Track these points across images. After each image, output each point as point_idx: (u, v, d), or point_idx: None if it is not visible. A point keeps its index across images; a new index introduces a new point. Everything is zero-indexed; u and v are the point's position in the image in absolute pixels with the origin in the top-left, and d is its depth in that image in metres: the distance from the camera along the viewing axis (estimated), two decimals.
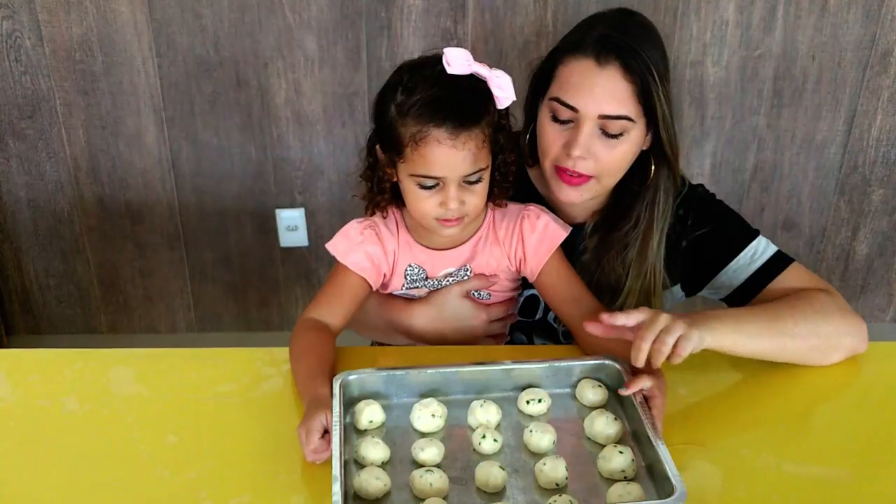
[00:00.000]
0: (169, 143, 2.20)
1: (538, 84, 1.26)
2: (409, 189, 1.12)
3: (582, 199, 1.24)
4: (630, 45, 1.15)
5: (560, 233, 1.22)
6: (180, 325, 2.49)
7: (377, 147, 1.15)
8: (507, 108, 1.13)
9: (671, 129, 1.21)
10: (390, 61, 2.11)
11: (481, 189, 1.13)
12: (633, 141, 1.20)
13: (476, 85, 1.08)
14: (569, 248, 1.26)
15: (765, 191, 2.34)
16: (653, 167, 1.25)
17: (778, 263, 1.26)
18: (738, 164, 2.29)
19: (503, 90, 1.09)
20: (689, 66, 2.15)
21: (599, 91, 1.15)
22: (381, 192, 1.18)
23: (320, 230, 2.34)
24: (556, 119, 1.20)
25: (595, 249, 1.30)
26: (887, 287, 2.54)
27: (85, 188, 2.26)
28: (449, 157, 1.07)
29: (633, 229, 1.26)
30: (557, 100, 1.18)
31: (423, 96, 1.06)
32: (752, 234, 1.29)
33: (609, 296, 1.28)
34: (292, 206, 2.30)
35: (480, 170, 1.10)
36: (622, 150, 1.19)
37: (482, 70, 1.08)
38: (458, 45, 2.07)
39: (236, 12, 2.05)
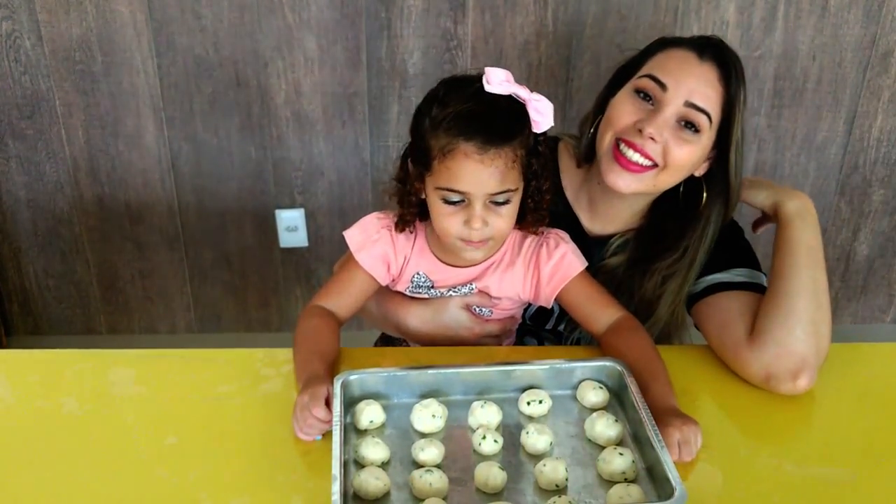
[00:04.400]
0: (169, 143, 2.20)
1: (622, 75, 1.25)
2: (435, 204, 1.11)
3: (630, 188, 1.21)
4: (730, 54, 1.19)
5: (576, 265, 1.20)
6: (180, 325, 2.49)
7: (409, 161, 1.14)
8: (544, 135, 1.12)
9: (740, 158, 1.21)
10: (390, 61, 2.11)
11: (508, 212, 1.11)
12: (702, 147, 1.19)
13: (513, 106, 1.07)
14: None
15: None
16: (704, 195, 1.24)
17: (753, 287, 1.23)
18: None
19: (542, 114, 1.08)
20: None
21: (694, 81, 1.16)
22: (409, 207, 1.16)
23: (320, 231, 2.34)
24: (638, 93, 1.19)
25: (627, 270, 1.29)
26: (888, 288, 2.54)
27: (84, 188, 2.25)
28: (476, 172, 1.05)
29: (680, 260, 1.25)
30: (650, 76, 1.18)
31: (456, 110, 1.05)
32: (755, 265, 1.27)
33: (634, 312, 1.25)
34: (292, 206, 2.30)
35: (508, 191, 1.08)
36: (689, 151, 1.18)
37: (521, 92, 1.07)
38: (458, 46, 2.09)
39: (236, 12, 2.04)
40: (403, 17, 2.07)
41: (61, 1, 2.01)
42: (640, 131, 1.16)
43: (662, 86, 1.17)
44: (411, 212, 1.17)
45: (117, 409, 1.10)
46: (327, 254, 2.37)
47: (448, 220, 1.10)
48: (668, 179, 1.21)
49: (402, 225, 1.19)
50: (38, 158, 2.21)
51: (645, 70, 1.20)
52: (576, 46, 2.10)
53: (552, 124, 1.10)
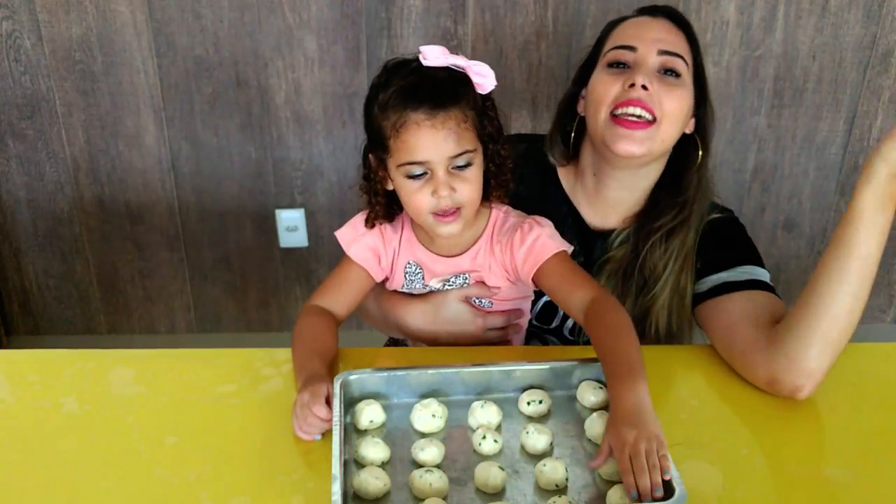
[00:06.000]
0: (169, 143, 2.20)
1: (584, 72, 1.30)
2: (401, 185, 1.12)
3: (642, 149, 1.21)
4: (676, 9, 1.29)
5: (550, 247, 1.16)
6: (180, 325, 2.49)
7: (370, 154, 1.15)
8: (492, 99, 1.14)
9: (711, 101, 1.29)
10: None
11: (473, 176, 1.11)
12: (688, 90, 1.24)
13: (453, 74, 1.10)
14: (588, 259, 1.24)
15: (765, 191, 2.34)
16: (700, 151, 1.28)
17: (759, 286, 1.23)
18: (738, 164, 2.29)
19: (484, 76, 1.11)
20: None
21: (656, 32, 1.24)
22: (376, 196, 1.17)
23: (320, 231, 2.34)
24: (611, 66, 1.24)
25: (633, 258, 1.29)
26: (888, 288, 2.54)
27: (84, 188, 2.25)
28: (430, 138, 1.06)
29: (680, 213, 1.27)
30: (615, 47, 1.24)
31: (399, 86, 1.08)
32: (758, 262, 1.27)
33: (640, 289, 1.27)
34: (292, 206, 2.30)
35: (467, 152, 1.09)
36: (679, 95, 1.22)
37: (459, 61, 1.10)
38: (458, 46, 2.09)
39: (236, 12, 2.05)
40: (403, 17, 2.07)
41: (61, 1, 2.01)
42: (632, 86, 1.19)
43: (631, 48, 1.23)
44: (379, 201, 1.18)
45: (117, 408, 1.10)
46: (327, 254, 2.37)
47: (416, 197, 1.11)
48: (669, 131, 1.23)
49: (372, 219, 1.20)
50: (38, 158, 2.21)
51: (607, 47, 1.26)
52: (576, 46, 2.10)
53: (495, 83, 1.12)
